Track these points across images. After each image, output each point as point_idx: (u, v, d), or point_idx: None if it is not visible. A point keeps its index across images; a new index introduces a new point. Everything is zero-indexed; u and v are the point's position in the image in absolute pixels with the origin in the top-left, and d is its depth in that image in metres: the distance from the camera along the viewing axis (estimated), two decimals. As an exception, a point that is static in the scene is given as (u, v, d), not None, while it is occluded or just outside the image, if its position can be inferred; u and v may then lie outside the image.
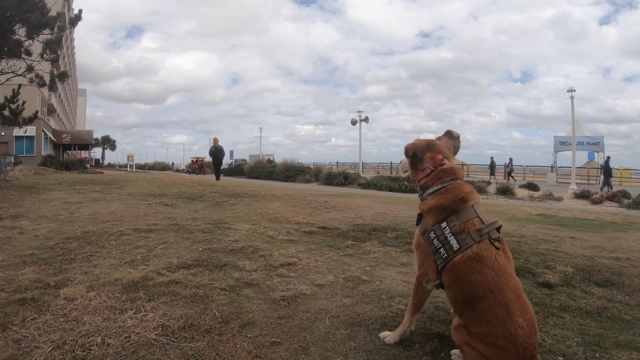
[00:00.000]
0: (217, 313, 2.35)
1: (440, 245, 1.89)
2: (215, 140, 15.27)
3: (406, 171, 2.22)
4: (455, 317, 1.90)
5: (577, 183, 18.34)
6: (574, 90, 18.23)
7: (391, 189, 15.92)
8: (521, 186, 16.82)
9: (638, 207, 10.75)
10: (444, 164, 2.05)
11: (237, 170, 29.92)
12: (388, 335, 2.13)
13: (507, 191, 14.60)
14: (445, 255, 1.86)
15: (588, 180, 26.41)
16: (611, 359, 1.99)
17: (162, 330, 2.08)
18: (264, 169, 25.48)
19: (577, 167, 20.87)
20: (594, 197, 12.90)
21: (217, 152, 14.98)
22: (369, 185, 17.44)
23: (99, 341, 1.94)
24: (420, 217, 2.05)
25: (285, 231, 4.89)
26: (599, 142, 27.41)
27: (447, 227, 1.89)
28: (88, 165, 33.70)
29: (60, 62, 20.63)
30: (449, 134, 2.24)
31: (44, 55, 12.09)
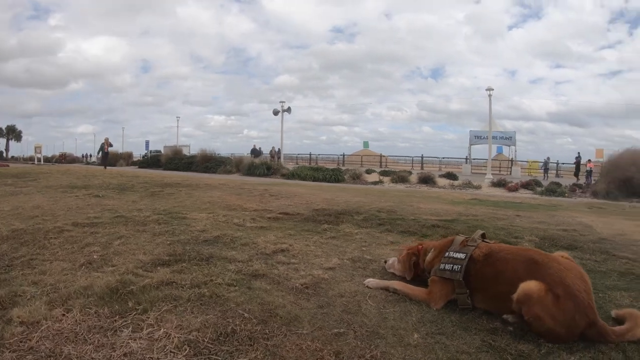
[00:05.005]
0: (244, 314, 1.81)
1: None
2: (109, 143, 23.03)
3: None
4: None
5: (491, 173, 20.36)
6: (492, 89, 20.39)
7: (315, 179, 15.76)
8: (441, 176, 17.95)
9: (550, 194, 12.30)
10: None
11: (154, 161, 26.85)
12: None
13: (428, 180, 15.35)
14: None
15: (500, 171, 28.74)
16: (611, 297, 2.24)
17: (191, 349, 1.48)
18: (182, 160, 23.76)
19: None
20: (509, 185, 14.42)
21: (103, 148, 22.90)
22: (292, 175, 16.98)
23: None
24: None
25: (250, 218, 4.39)
26: (511, 137, 30.19)
27: None
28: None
29: None
30: None
31: None
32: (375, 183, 14.98)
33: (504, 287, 1.85)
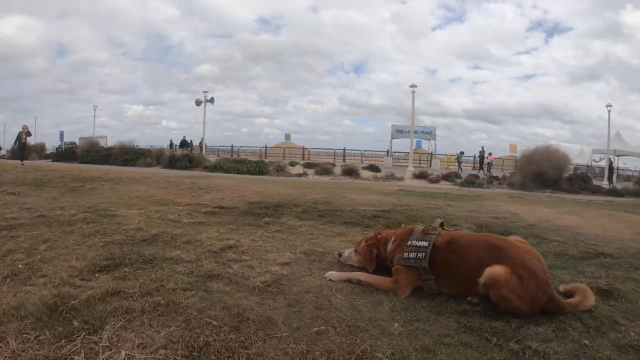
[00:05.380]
0: (211, 321, 1.65)
1: None
2: (27, 132, 18.31)
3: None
4: None
5: (412, 166, 21.46)
6: (416, 86, 21.49)
7: (239, 171, 15.27)
8: (364, 168, 18.52)
9: (470, 185, 13.43)
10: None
11: (69, 154, 24.00)
12: None
13: (352, 172, 15.83)
14: None
15: (420, 164, 29.73)
16: (553, 275, 2.40)
17: (162, 369, 1.30)
18: (99, 153, 21.97)
19: (409, 153, 24.13)
20: (431, 177, 15.50)
21: (20, 138, 18.37)
22: (215, 168, 16.19)
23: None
24: None
25: (186, 213, 4.12)
26: (431, 132, 31.84)
27: None
28: None
29: None
30: None
31: None
32: (299, 175, 15.09)
33: (468, 272, 1.98)
